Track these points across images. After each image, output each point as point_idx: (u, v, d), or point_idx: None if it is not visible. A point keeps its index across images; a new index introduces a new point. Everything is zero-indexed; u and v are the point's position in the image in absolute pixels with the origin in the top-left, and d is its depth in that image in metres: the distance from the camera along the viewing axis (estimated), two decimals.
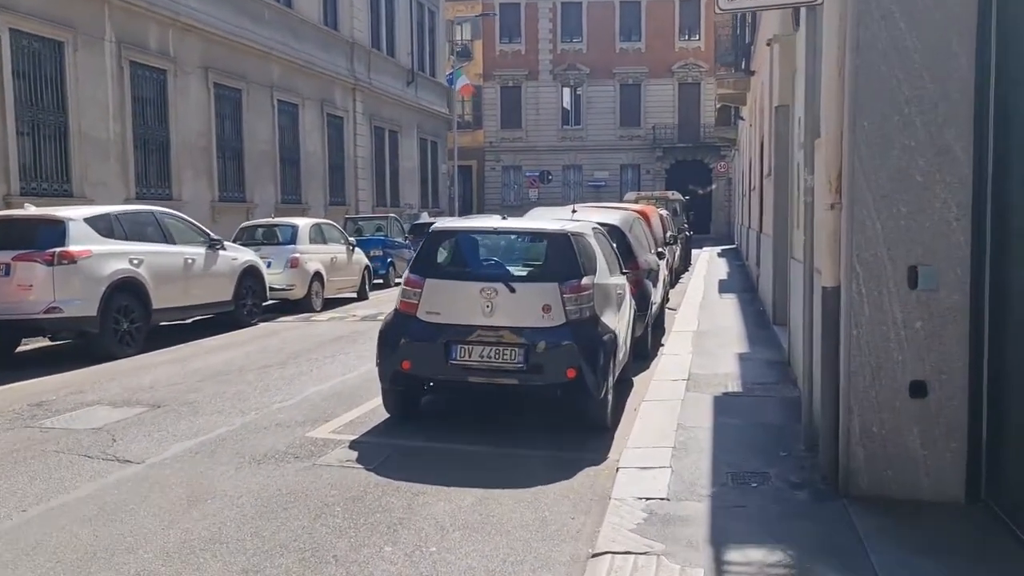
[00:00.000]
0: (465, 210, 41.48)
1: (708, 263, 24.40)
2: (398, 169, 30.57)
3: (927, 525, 4.41)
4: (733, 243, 35.08)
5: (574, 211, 9.79)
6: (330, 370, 9.08)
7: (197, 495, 5.08)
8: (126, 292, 10.02)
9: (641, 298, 9.33)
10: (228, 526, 4.59)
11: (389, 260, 19.22)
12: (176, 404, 7.44)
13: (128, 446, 6.12)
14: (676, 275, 19.02)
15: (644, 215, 12.85)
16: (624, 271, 8.40)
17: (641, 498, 4.92)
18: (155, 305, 10.45)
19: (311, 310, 14.43)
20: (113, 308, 9.76)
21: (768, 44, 11.27)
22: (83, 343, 9.96)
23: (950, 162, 4.57)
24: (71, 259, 9.30)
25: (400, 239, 20.21)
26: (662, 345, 10.39)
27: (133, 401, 7.57)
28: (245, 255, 12.68)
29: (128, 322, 10.02)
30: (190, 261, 11.25)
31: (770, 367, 8.76)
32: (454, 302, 6.48)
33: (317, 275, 14.66)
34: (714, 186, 44.87)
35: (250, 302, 12.68)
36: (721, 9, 5.84)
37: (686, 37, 46.49)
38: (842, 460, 4.87)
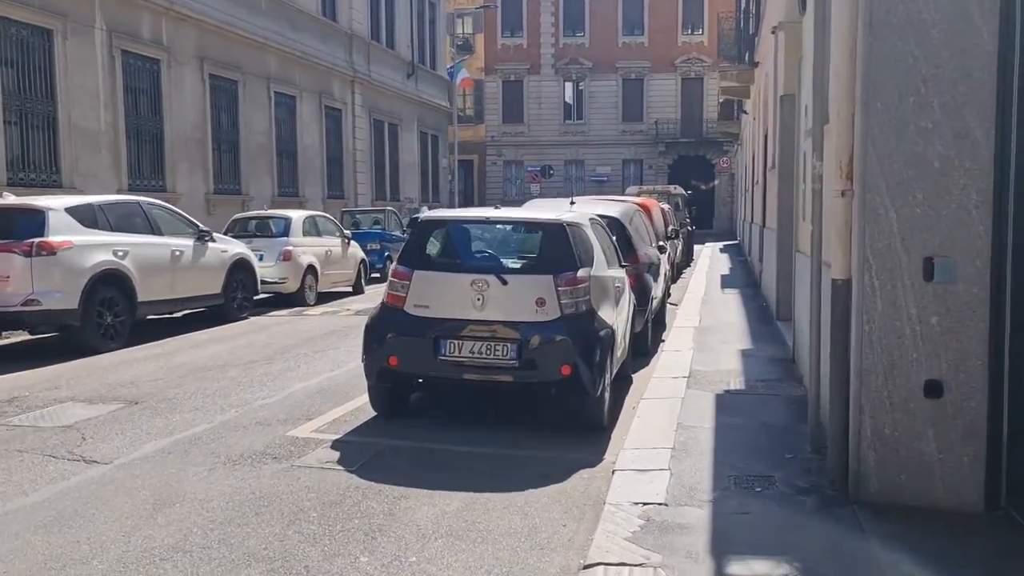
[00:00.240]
0: (466, 205, 41.16)
1: (710, 258, 24.10)
2: (398, 163, 30.25)
3: (942, 535, 4.12)
4: (735, 239, 34.75)
5: (572, 203, 9.48)
6: (318, 366, 8.78)
7: (164, 499, 4.77)
8: (110, 285, 9.71)
9: (641, 292, 9.04)
10: (194, 533, 4.28)
11: (386, 254, 18.91)
12: (154, 401, 7.14)
13: (97, 445, 5.82)
14: (678, 270, 18.76)
15: (645, 208, 12.56)
16: (623, 264, 8.11)
17: (638, 503, 4.63)
18: (141, 298, 10.14)
19: (304, 304, 14.13)
20: (96, 301, 9.45)
21: (773, 32, 10.97)
22: (65, 337, 9.66)
23: (970, 146, 4.26)
24: (50, 250, 8.99)
25: (398, 232, 19.90)
26: (663, 341, 10.09)
27: (110, 397, 7.27)
28: (235, 247, 12.37)
29: (112, 316, 9.71)
30: (178, 253, 10.94)
31: (774, 364, 8.46)
32: (443, 295, 6.18)
33: (311, 268, 14.35)
34: (716, 181, 44.58)
35: (240, 296, 12.37)
36: None
37: (689, 31, 46.11)
38: (852, 464, 4.57)
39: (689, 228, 24.82)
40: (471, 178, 46.87)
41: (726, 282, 17.08)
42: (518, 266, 6.50)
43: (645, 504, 4.58)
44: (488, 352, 6.01)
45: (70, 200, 9.98)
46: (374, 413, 6.61)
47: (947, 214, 4.30)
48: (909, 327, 4.37)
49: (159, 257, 10.58)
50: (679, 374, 7.93)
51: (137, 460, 5.49)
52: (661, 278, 11.03)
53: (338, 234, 15.78)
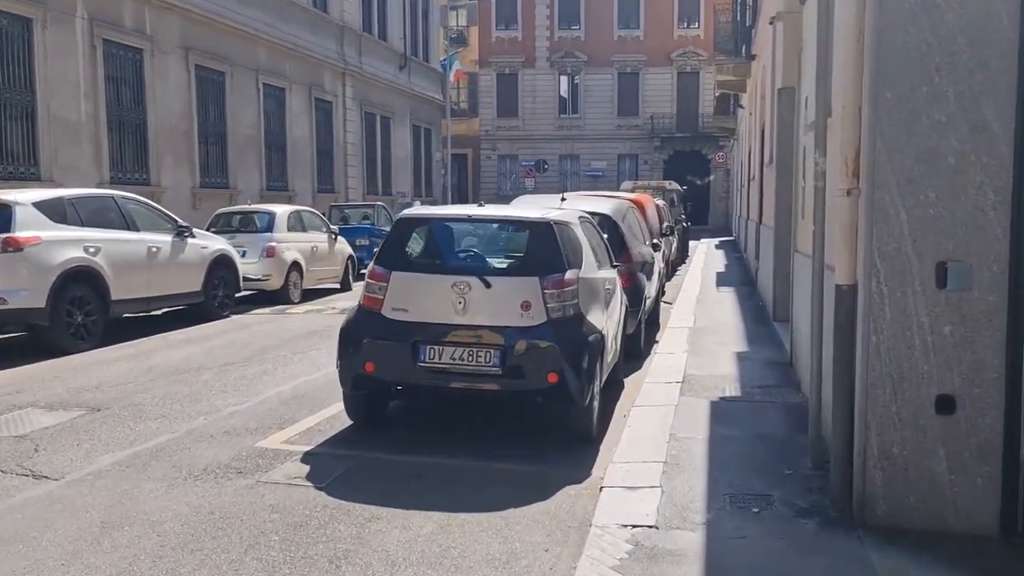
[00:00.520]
0: (460, 200, 40.78)
1: (706, 255, 23.76)
2: (390, 156, 29.81)
3: (955, 562, 3.80)
4: (731, 235, 34.42)
5: (563, 199, 9.12)
6: (296, 368, 8.41)
7: (114, 520, 4.41)
8: (80, 282, 9.30)
9: (634, 293, 8.72)
10: (141, 560, 3.92)
11: (375, 250, 18.52)
12: (119, 407, 6.76)
13: (50, 458, 5.44)
14: (673, 267, 18.46)
15: (639, 204, 12.21)
16: (615, 264, 7.76)
17: (626, 525, 4.29)
18: (114, 296, 9.74)
19: (288, 302, 13.74)
20: (65, 299, 9.05)
21: (771, 22, 10.63)
22: (33, 337, 9.27)
23: (987, 140, 3.92)
24: (16, 246, 8.60)
25: (388, 228, 19.50)
26: (656, 342, 9.75)
27: (72, 403, 6.89)
28: (216, 243, 11.98)
29: (83, 315, 9.31)
30: (154, 249, 10.54)
31: (771, 368, 8.13)
32: (423, 298, 5.83)
33: (295, 265, 13.96)
34: (712, 177, 44.29)
35: (222, 293, 11.98)
36: None
37: (685, 25, 45.72)
38: (856, 484, 4.23)
39: (684, 224, 24.50)
40: (465, 172, 46.44)
41: (721, 280, 16.76)
42: (502, 267, 6.15)
43: (634, 527, 4.25)
44: (470, 358, 5.66)
45: (38, 194, 9.57)
46: (350, 422, 6.26)
47: (962, 215, 3.96)
48: (920, 337, 4.03)
49: (134, 253, 10.18)
50: (673, 379, 7.60)
51: (90, 476, 5.12)
52: (655, 277, 10.69)
53: (324, 229, 15.39)
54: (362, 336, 5.87)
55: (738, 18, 22.04)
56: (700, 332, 10.14)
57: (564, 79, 46.52)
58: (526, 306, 5.67)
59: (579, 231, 6.59)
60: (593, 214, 8.37)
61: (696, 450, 5.47)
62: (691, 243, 26.43)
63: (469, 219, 6.52)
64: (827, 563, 3.83)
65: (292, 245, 13.97)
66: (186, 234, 11.23)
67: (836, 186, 4.46)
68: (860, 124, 4.24)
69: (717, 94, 33.74)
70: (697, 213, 38.48)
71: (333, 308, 13.31)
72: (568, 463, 5.47)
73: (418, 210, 7.36)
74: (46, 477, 5.08)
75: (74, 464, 5.33)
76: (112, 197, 10.59)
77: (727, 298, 13.77)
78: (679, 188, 26.46)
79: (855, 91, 4.25)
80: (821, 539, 4.09)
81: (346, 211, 20.54)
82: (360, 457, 5.58)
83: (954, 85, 3.94)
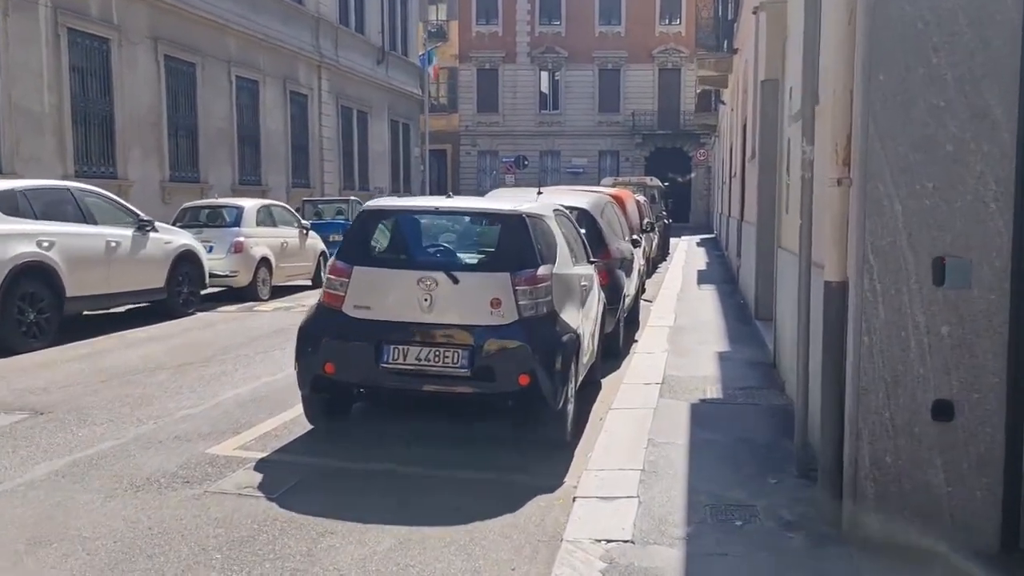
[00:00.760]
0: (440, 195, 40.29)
1: (686, 252, 23.53)
2: (367, 151, 29.38)
3: None
4: (712, 232, 34.27)
5: (540, 192, 8.78)
6: (258, 369, 8.03)
7: (42, 536, 4.03)
8: (32, 278, 8.83)
9: (612, 290, 8.40)
10: None
11: None
12: (64, 410, 6.36)
13: None
14: (653, 264, 18.21)
15: (618, 199, 11.92)
16: (593, 260, 7.44)
17: (600, 540, 3.97)
18: (69, 293, 9.28)
19: (256, 299, 13.30)
20: (16, 296, 8.59)
21: (755, 12, 10.35)
22: None
23: (988, 127, 3.64)
24: None
25: None
26: (635, 341, 9.46)
27: (14, 406, 6.47)
28: (181, 238, 11.54)
29: (35, 312, 8.87)
30: (113, 244, 10.09)
31: (753, 368, 7.86)
32: (387, 294, 5.48)
33: (264, 261, 13.53)
34: (693, 174, 44.17)
35: (186, 290, 11.55)
36: None
37: (667, 22, 45.52)
38: (847, 496, 3.94)
39: (665, 221, 24.25)
40: (444, 168, 46.01)
41: (703, 278, 16.52)
42: (471, 262, 5.81)
43: (608, 541, 3.94)
44: (437, 359, 5.32)
45: None
46: (309, 426, 5.90)
47: (961, 206, 3.67)
48: (915, 339, 3.74)
49: (91, 248, 9.73)
50: (652, 380, 7.30)
51: (22, 486, 4.73)
52: (635, 274, 10.39)
53: (296, 224, 14.96)
54: (322, 335, 5.52)
55: (720, 12, 21.81)
56: (681, 331, 9.85)
57: (545, 75, 46.21)
58: (496, 304, 5.34)
59: (554, 225, 6.27)
60: (570, 208, 8.06)
61: (675, 456, 5.17)
62: (672, 240, 26.21)
63: (436, 211, 6.18)
64: None
65: (261, 240, 13.55)
66: (148, 228, 10.79)
67: (826, 176, 4.16)
68: (851, 110, 3.95)
69: (698, 91, 33.61)
70: (678, 210, 38.27)
71: (303, 306, 12.86)
72: (539, 471, 5.15)
73: (383, 201, 6.99)
74: None
75: (7, 473, 4.94)
76: (68, 189, 10.14)
77: (708, 296, 13.52)
78: (660, 184, 26.22)
79: (847, 73, 3.96)
80: (809, 556, 3.80)
81: (319, 206, 20.13)
82: (317, 465, 5.24)
83: (953, 67, 3.65)
